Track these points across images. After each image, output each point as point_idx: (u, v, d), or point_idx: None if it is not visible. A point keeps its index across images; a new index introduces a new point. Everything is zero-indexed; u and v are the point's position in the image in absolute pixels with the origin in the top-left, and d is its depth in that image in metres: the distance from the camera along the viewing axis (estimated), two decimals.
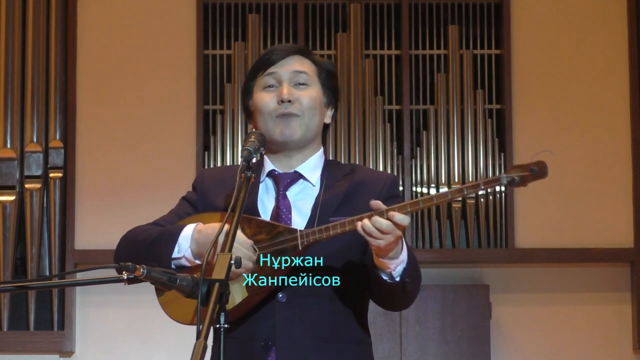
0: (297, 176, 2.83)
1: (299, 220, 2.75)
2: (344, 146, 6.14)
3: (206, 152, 6.14)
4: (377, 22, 6.35)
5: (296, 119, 2.80)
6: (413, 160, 6.20)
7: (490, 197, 6.13)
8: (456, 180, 6.11)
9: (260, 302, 2.69)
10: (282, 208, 2.77)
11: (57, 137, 6.07)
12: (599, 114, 6.20)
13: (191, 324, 2.64)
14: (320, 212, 2.73)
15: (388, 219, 2.51)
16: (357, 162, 6.10)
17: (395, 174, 6.16)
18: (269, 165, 2.86)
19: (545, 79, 6.23)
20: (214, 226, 2.67)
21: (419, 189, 6.15)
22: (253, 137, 2.67)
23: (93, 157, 6.11)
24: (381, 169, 6.11)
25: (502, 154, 6.16)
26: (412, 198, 5.62)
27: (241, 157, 2.60)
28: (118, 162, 6.10)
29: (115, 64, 6.18)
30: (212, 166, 6.04)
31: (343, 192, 2.78)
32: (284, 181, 2.82)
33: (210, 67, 6.29)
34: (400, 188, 6.13)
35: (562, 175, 6.13)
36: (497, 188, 6.08)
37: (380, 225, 2.51)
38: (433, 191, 6.11)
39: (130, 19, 6.22)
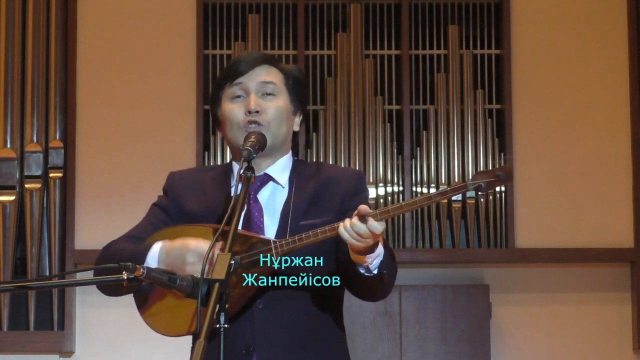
0: (267, 178, 2.84)
1: (270, 224, 2.76)
2: (344, 146, 6.14)
3: (206, 152, 6.14)
4: (377, 22, 6.35)
5: (262, 130, 2.80)
6: (413, 160, 6.19)
7: (490, 197, 6.13)
8: (456, 180, 6.10)
9: (240, 310, 2.70)
10: (253, 212, 2.78)
11: (57, 137, 6.07)
12: (599, 114, 6.20)
13: (176, 335, 2.67)
14: (292, 216, 2.75)
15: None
16: (357, 162, 6.11)
17: (395, 174, 6.16)
18: (237, 169, 2.82)
19: (545, 79, 6.23)
20: (180, 244, 2.67)
21: (419, 189, 6.15)
22: (253, 137, 2.69)
23: (93, 157, 6.11)
24: (381, 169, 6.12)
25: (502, 154, 6.16)
26: (412, 198, 5.62)
27: (241, 157, 2.61)
28: (118, 162, 6.10)
29: (115, 64, 6.18)
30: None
31: (311, 193, 2.80)
32: (255, 184, 2.82)
33: (210, 67, 6.29)
34: (401, 188, 6.14)
35: (562, 175, 6.13)
36: (497, 188, 6.13)
37: (359, 229, 2.52)
38: (433, 191, 6.11)
39: (130, 19, 6.22)
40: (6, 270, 5.91)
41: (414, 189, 6.15)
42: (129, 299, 2.80)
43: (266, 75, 2.87)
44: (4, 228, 5.96)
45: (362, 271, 2.63)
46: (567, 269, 6.15)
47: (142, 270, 2.36)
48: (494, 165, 6.16)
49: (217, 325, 2.22)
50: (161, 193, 2.92)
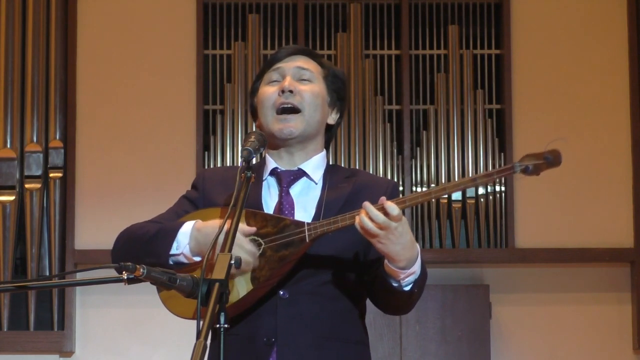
0: (301, 173, 2.83)
1: (302, 218, 2.74)
2: (344, 146, 6.14)
3: (206, 152, 6.14)
4: (377, 22, 6.35)
5: (296, 116, 2.80)
6: (413, 160, 6.20)
7: (490, 197, 6.13)
8: (456, 180, 6.10)
9: (262, 299, 2.69)
10: (285, 204, 2.77)
11: (57, 137, 6.07)
12: (599, 114, 6.20)
13: (193, 318, 2.64)
14: (325, 211, 2.73)
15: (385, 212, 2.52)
16: (357, 162, 6.11)
17: (395, 174, 6.16)
18: (271, 163, 2.85)
19: (545, 79, 6.23)
20: (214, 224, 2.66)
21: (419, 189, 6.15)
22: (253, 137, 2.66)
23: (93, 157, 6.11)
24: (381, 169, 6.12)
25: (502, 154, 6.16)
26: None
27: (241, 157, 2.60)
28: (118, 162, 6.10)
29: (115, 64, 6.18)
30: (212, 166, 6.04)
31: (346, 193, 2.78)
32: (287, 178, 2.81)
33: (210, 67, 6.29)
34: (400, 188, 6.14)
35: (562, 175, 6.12)
36: (497, 188, 6.14)
37: (376, 218, 2.50)
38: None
39: (130, 19, 6.22)
40: (6, 270, 5.91)
41: (414, 189, 6.15)
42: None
43: (304, 63, 2.87)
44: (4, 228, 5.96)
45: (394, 285, 2.62)
46: (567, 269, 6.15)
47: (141, 270, 2.36)
48: (493, 166, 6.16)
49: (217, 325, 2.22)
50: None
